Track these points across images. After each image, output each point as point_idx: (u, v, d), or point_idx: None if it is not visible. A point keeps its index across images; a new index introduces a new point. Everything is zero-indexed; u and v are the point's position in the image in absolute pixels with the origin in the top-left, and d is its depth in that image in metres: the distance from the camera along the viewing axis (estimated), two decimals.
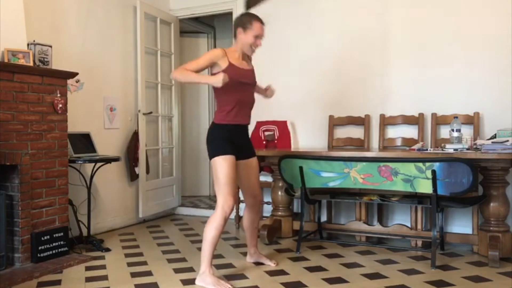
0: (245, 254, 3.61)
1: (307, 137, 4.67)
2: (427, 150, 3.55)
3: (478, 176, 3.44)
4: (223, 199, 2.92)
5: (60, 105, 3.53)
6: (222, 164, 2.94)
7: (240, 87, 3.03)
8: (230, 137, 3.02)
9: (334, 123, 4.48)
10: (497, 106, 3.88)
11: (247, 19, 3.06)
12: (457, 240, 3.71)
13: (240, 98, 3.04)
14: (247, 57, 3.19)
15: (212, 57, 2.99)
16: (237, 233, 4.39)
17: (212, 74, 3.02)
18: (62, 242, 3.49)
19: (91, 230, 4.01)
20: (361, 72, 4.41)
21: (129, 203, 4.78)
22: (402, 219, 4.09)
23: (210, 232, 2.91)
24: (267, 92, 3.33)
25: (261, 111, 4.32)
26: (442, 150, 3.42)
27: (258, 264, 3.35)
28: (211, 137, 3.04)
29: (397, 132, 4.26)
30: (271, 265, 3.31)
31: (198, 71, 2.97)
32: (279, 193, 4.14)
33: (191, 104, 6.50)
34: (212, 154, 2.99)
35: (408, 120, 4.19)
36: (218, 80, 2.85)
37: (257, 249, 3.41)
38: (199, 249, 3.76)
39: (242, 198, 4.65)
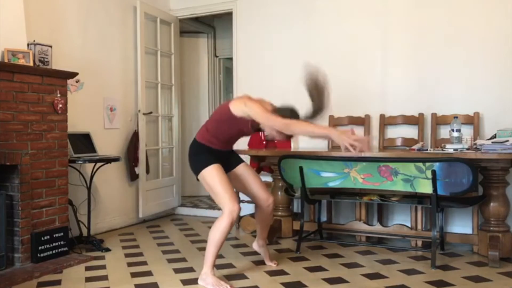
0: (245, 254, 3.62)
1: (307, 137, 4.66)
2: (427, 150, 3.55)
3: (478, 176, 3.44)
4: (230, 207, 2.85)
5: (60, 105, 3.53)
6: (212, 173, 2.90)
7: (238, 134, 3.05)
8: (211, 152, 2.99)
9: (334, 123, 4.47)
10: (497, 106, 3.88)
11: (294, 115, 2.91)
12: (457, 240, 3.71)
13: (232, 140, 3.09)
14: None
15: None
16: (237, 233, 4.39)
17: (233, 114, 2.88)
18: (62, 242, 3.48)
19: (91, 230, 4.01)
20: (361, 72, 4.41)
21: (129, 203, 4.78)
22: (402, 219, 4.09)
23: (215, 235, 2.88)
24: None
25: None
26: (442, 150, 3.42)
27: (258, 263, 3.35)
28: (193, 152, 3.01)
29: (397, 132, 4.26)
30: (271, 265, 3.31)
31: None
32: (279, 193, 4.14)
33: (191, 104, 6.50)
34: (197, 169, 2.96)
35: (408, 120, 4.19)
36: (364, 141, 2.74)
37: (265, 242, 3.38)
38: (199, 249, 3.78)
39: (242, 198, 4.67)
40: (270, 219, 3.33)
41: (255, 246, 3.42)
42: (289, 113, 2.89)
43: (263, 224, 3.30)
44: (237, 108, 2.88)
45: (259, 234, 3.35)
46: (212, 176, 2.90)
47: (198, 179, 3.04)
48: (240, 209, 2.91)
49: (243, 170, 3.16)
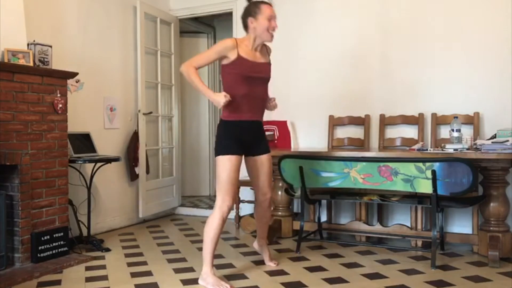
0: (245, 254, 3.62)
1: (307, 137, 4.67)
2: (427, 150, 3.55)
3: (478, 176, 3.44)
4: (221, 200, 2.89)
5: (60, 105, 3.53)
6: (225, 164, 2.90)
7: (249, 81, 2.92)
8: (237, 135, 2.95)
9: (334, 123, 4.48)
10: (497, 106, 3.88)
11: (254, 6, 2.96)
12: (457, 240, 3.71)
13: (249, 93, 2.93)
14: (265, 50, 3.09)
15: (222, 49, 2.91)
16: (237, 233, 4.39)
17: (222, 66, 2.97)
18: (62, 242, 3.48)
19: (91, 230, 4.01)
20: (361, 72, 4.41)
21: (129, 203, 4.78)
22: (402, 219, 4.09)
23: (208, 233, 2.90)
24: (270, 104, 3.16)
25: None
26: (442, 150, 3.42)
27: (258, 263, 3.35)
28: (217, 134, 3.00)
29: (397, 132, 4.25)
30: (271, 265, 3.30)
31: (207, 64, 2.98)
32: (279, 193, 4.15)
33: (191, 104, 6.50)
34: (217, 151, 2.95)
35: (408, 120, 4.19)
36: (218, 101, 2.84)
37: (266, 242, 3.36)
38: (199, 249, 3.77)
39: (242, 198, 4.68)
40: (268, 216, 3.29)
41: (255, 245, 3.43)
42: (249, 6, 2.98)
43: (262, 222, 3.29)
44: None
45: (258, 233, 3.34)
46: (224, 167, 2.90)
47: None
48: (231, 205, 2.93)
49: (263, 161, 3.09)
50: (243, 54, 2.93)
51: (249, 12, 2.97)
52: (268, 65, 3.09)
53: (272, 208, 3.36)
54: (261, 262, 3.38)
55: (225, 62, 2.94)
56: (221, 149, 2.93)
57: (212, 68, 6.62)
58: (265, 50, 3.11)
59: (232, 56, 2.91)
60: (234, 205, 4.63)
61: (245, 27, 3.02)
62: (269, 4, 2.98)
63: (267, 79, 3.07)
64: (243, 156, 3.04)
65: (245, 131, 2.99)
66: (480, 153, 3.23)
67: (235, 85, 2.92)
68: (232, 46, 2.91)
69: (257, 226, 3.36)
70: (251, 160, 3.09)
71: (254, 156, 3.08)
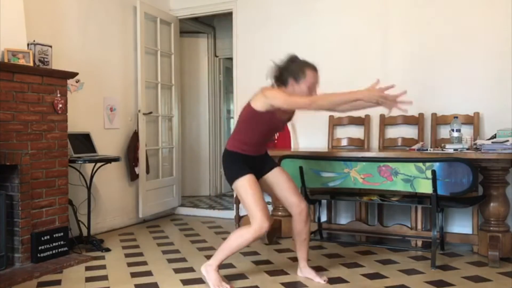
0: (245, 254, 3.62)
1: (307, 137, 4.66)
2: (427, 150, 3.55)
3: (478, 176, 3.44)
4: (260, 223, 2.72)
5: (60, 105, 3.53)
6: (245, 185, 2.78)
7: (269, 132, 2.95)
8: (246, 162, 2.86)
9: (334, 123, 4.48)
10: (497, 106, 3.88)
11: (299, 69, 2.81)
12: (457, 240, 3.71)
13: (263, 140, 2.94)
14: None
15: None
16: None
17: (253, 109, 2.79)
18: (62, 242, 3.48)
19: (91, 230, 4.01)
20: (361, 72, 4.40)
21: (129, 203, 4.78)
22: (402, 219, 4.09)
23: (236, 241, 2.82)
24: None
25: None
26: (442, 150, 3.42)
27: (258, 263, 3.35)
28: (225, 164, 2.89)
29: (397, 132, 4.25)
30: (320, 282, 2.95)
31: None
32: None
33: (191, 104, 6.50)
34: (231, 179, 2.84)
35: (408, 120, 4.18)
36: (375, 96, 2.70)
37: (307, 263, 3.07)
38: (199, 249, 3.78)
39: None
40: (307, 232, 3.00)
41: (299, 272, 3.11)
42: (294, 66, 2.81)
43: (301, 239, 3.01)
44: (258, 102, 2.76)
45: (299, 255, 3.07)
46: (245, 188, 2.77)
47: (232, 189, 2.96)
48: (269, 227, 2.77)
49: (276, 175, 2.98)
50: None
51: (293, 73, 2.81)
52: (286, 121, 3.02)
53: (309, 222, 3.02)
54: (261, 262, 3.39)
55: (259, 108, 2.77)
56: (235, 173, 2.82)
57: (212, 68, 6.62)
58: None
59: (271, 108, 2.77)
60: (234, 205, 4.63)
61: (282, 81, 2.85)
62: (315, 70, 2.86)
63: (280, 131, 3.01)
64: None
65: (251, 161, 2.89)
66: (480, 153, 3.23)
67: (255, 132, 2.85)
68: None
69: (296, 246, 3.07)
70: (262, 181, 2.96)
71: (267, 174, 2.98)
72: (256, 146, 2.91)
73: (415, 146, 3.73)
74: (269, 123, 2.84)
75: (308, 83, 2.81)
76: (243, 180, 2.78)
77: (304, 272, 3.06)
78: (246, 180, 2.78)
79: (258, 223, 2.73)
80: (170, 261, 3.47)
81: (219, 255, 2.87)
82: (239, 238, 2.81)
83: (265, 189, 2.98)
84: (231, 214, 4.96)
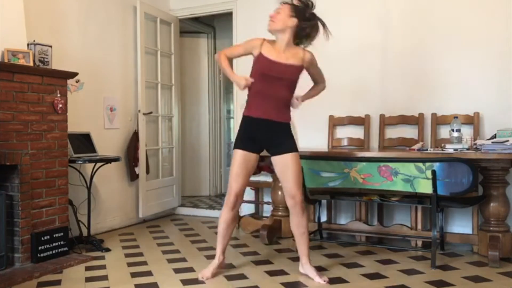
0: (245, 254, 3.62)
1: (307, 137, 4.66)
2: (427, 150, 3.55)
3: (478, 176, 3.44)
4: (227, 193, 3.01)
5: (60, 105, 3.53)
6: (234, 158, 3.01)
7: (265, 79, 2.93)
8: (250, 131, 2.98)
9: (334, 123, 4.48)
10: (497, 106, 3.88)
11: (315, 33, 3.29)
12: (457, 240, 3.71)
13: (262, 91, 2.95)
14: (300, 54, 3.04)
15: (248, 47, 3.05)
16: (237, 233, 4.39)
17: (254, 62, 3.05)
18: (62, 242, 3.48)
19: (91, 230, 4.01)
20: (361, 71, 4.41)
21: (129, 203, 4.78)
22: (402, 219, 4.09)
23: (219, 225, 3.12)
24: (293, 102, 3.10)
25: None
26: (442, 150, 3.42)
27: (258, 263, 3.35)
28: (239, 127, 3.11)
29: (397, 132, 4.25)
30: (320, 282, 2.93)
31: (235, 56, 3.14)
32: (279, 193, 4.13)
33: (191, 104, 6.50)
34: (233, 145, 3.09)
35: (408, 120, 4.19)
36: (239, 83, 2.95)
37: (309, 259, 3.06)
38: (199, 249, 3.78)
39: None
40: (304, 225, 3.01)
41: (300, 268, 3.11)
42: (313, 32, 3.22)
43: (299, 232, 3.02)
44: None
45: (299, 252, 3.09)
46: (232, 161, 3.02)
47: None
48: (234, 199, 3.01)
49: (285, 162, 2.97)
50: (265, 53, 2.97)
51: (306, 29, 3.22)
52: (293, 67, 2.98)
53: (305, 215, 3.03)
54: (261, 262, 3.38)
55: (253, 58, 3.04)
56: (235, 142, 3.07)
57: (212, 68, 6.62)
58: (300, 54, 3.05)
59: (255, 53, 3.00)
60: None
61: (297, 14, 3.20)
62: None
63: (286, 79, 2.96)
64: (255, 154, 3.01)
65: (259, 129, 2.97)
66: (480, 153, 3.23)
67: (254, 82, 2.97)
68: (258, 44, 3.01)
69: (296, 241, 3.08)
70: (276, 160, 3.00)
71: (276, 156, 3.00)
72: (258, 99, 2.98)
73: (415, 146, 3.73)
74: (262, 66, 2.96)
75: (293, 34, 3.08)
76: (234, 153, 3.02)
77: (305, 269, 3.06)
78: (236, 154, 3.01)
79: (227, 192, 3.02)
80: (170, 261, 3.47)
81: (216, 248, 3.14)
82: (220, 221, 3.12)
83: (275, 169, 3.07)
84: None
